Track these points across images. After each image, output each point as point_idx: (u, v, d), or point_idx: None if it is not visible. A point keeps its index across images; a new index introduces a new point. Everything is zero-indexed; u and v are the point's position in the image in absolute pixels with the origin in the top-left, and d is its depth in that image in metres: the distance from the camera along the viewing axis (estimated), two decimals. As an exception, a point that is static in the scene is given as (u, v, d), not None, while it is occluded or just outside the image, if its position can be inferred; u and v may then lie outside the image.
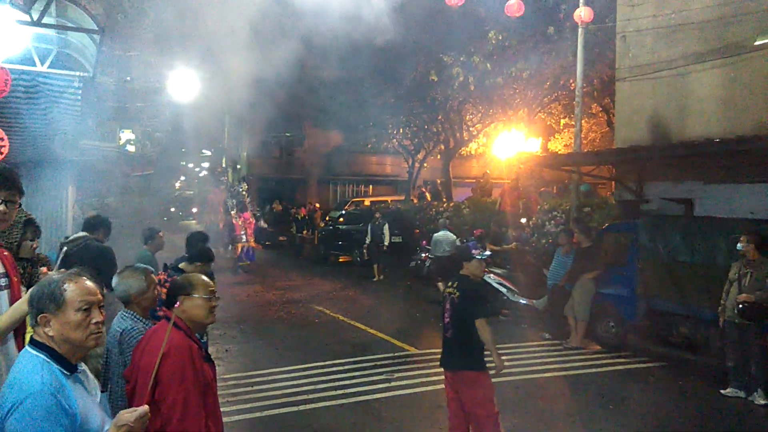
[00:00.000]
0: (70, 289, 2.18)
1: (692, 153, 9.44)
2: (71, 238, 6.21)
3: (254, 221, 18.11)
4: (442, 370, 5.06)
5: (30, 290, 2.23)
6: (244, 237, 17.25)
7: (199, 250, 5.46)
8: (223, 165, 31.58)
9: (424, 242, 15.19)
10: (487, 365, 4.86)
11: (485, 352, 4.86)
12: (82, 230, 6.22)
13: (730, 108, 9.81)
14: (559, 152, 20.80)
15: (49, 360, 2.12)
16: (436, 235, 13.41)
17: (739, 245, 6.95)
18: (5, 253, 3.00)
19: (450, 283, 5.04)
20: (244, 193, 18.60)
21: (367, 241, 16.46)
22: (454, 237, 12.88)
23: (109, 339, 3.35)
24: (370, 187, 33.13)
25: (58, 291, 2.17)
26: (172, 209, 39.66)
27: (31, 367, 2.09)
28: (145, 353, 2.91)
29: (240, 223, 17.41)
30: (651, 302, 8.58)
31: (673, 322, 8.37)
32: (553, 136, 21.99)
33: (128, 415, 2.15)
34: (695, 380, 7.65)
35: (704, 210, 9.62)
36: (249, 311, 11.65)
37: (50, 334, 2.15)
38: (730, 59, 9.77)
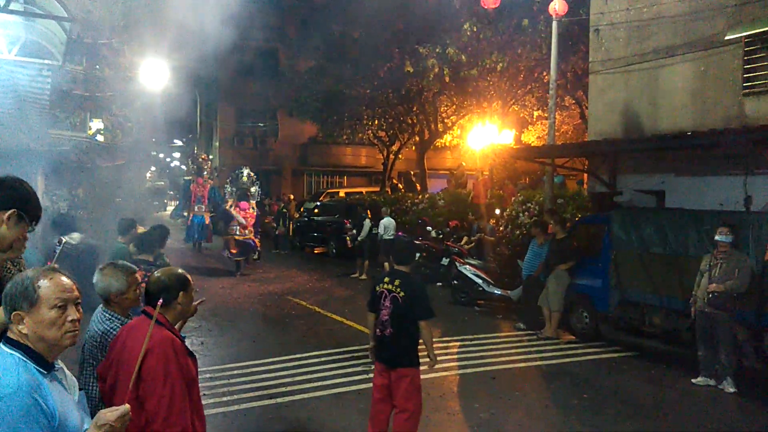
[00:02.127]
0: (45, 285, 2.12)
1: (664, 146, 9.60)
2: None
3: (255, 213, 16.05)
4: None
5: (6, 287, 2.15)
6: (236, 229, 15.30)
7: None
8: (195, 153, 31.07)
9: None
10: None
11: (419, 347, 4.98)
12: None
13: (700, 101, 10.00)
14: (532, 144, 20.97)
15: (24, 358, 2.06)
16: (382, 221, 15.22)
17: (721, 236, 6.98)
18: None
19: (388, 280, 5.00)
20: (245, 179, 16.49)
21: (361, 236, 15.43)
22: (395, 223, 15.38)
23: (87, 339, 3.26)
24: (345, 178, 33.04)
25: (32, 288, 2.10)
26: (155, 202, 38.54)
27: (5, 365, 2.02)
28: (124, 350, 2.86)
29: (235, 213, 15.64)
30: (624, 293, 8.73)
31: (645, 313, 8.52)
32: (527, 128, 22.15)
33: (109, 414, 2.10)
34: (667, 369, 7.81)
35: (675, 202, 9.80)
36: (224, 304, 11.55)
37: (24, 332, 2.08)
38: (701, 53, 9.95)
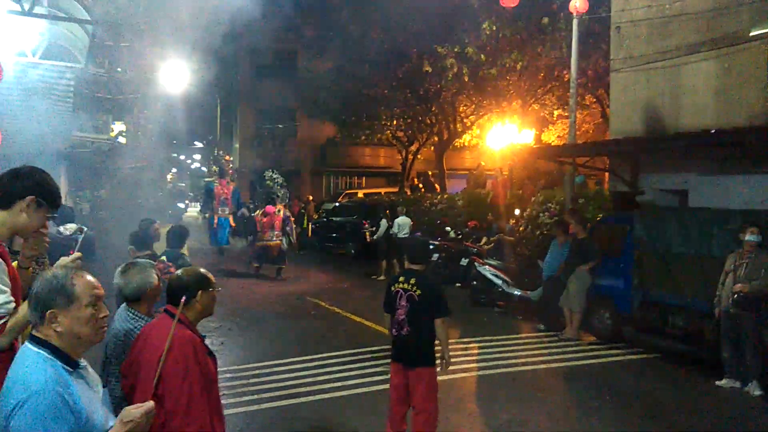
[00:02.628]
0: (79, 283, 2.15)
1: (687, 144, 9.46)
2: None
3: (282, 216, 14.97)
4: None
5: (34, 287, 2.15)
6: (272, 236, 14.45)
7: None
8: (218, 155, 31.22)
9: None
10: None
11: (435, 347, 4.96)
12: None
13: (724, 99, 9.83)
14: (552, 143, 20.80)
15: (51, 356, 2.08)
16: (397, 219, 15.42)
17: (751, 236, 6.85)
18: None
19: (403, 279, 4.98)
20: (269, 183, 15.90)
21: (377, 236, 15.60)
22: (410, 221, 15.44)
23: (110, 338, 3.29)
24: (364, 179, 33.07)
25: (69, 285, 2.13)
26: (181, 204, 37.77)
27: (33, 364, 2.05)
28: (145, 348, 2.88)
29: (259, 217, 14.89)
30: (646, 293, 8.61)
31: (668, 314, 8.38)
32: (547, 127, 21.99)
33: (134, 410, 2.12)
34: (690, 371, 7.69)
35: (699, 201, 9.65)
36: (244, 304, 11.60)
37: (58, 330, 2.10)
38: (724, 50, 9.79)
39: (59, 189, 2.77)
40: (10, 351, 2.55)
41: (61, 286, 2.12)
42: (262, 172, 16.47)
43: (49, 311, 2.10)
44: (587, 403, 6.60)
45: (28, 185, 2.63)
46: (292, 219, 15.58)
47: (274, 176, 16.17)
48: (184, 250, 9.39)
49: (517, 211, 14.32)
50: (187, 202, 44.51)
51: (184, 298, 2.81)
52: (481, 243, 13.66)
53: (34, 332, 2.14)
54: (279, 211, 14.93)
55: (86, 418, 2.05)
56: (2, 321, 2.46)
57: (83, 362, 2.23)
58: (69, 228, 7.38)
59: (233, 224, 18.12)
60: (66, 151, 11.26)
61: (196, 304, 3.03)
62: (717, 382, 7.09)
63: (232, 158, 24.62)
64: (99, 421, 2.12)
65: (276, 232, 14.57)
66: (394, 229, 15.31)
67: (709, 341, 7.79)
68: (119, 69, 14.06)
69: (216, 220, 18.07)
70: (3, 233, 2.68)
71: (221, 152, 21.18)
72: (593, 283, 9.19)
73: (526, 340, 9.29)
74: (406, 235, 14.72)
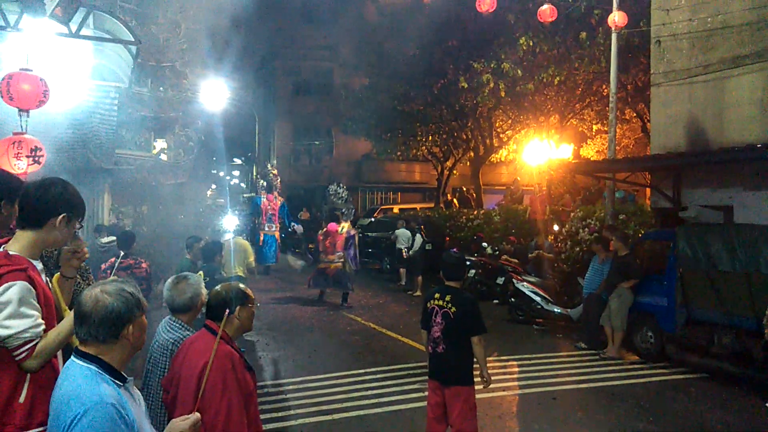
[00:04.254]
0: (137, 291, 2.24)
1: (732, 159, 9.21)
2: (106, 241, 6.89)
3: (346, 234, 13.34)
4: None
5: (109, 305, 2.14)
6: (324, 255, 13.21)
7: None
8: (254, 174, 31.43)
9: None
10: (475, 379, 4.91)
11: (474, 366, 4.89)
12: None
13: (770, 112, 9.55)
14: (591, 159, 20.50)
15: (101, 371, 2.11)
16: (397, 231, 16.50)
17: None
18: None
19: (439, 296, 4.94)
20: (333, 197, 14.25)
21: (412, 251, 15.47)
22: (409, 234, 15.99)
23: (156, 348, 3.34)
24: (399, 194, 33.10)
25: (140, 295, 2.22)
26: (221, 219, 37.93)
27: (86, 378, 2.07)
28: (185, 362, 2.91)
29: (320, 236, 13.49)
30: (691, 312, 8.37)
31: (714, 333, 8.12)
32: (586, 142, 21.69)
33: (181, 422, 2.15)
34: (738, 393, 7.42)
35: (744, 217, 9.36)
36: (280, 319, 11.67)
37: (131, 339, 2.16)
38: (769, 63, 9.53)
39: (83, 199, 2.80)
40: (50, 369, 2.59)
41: (137, 299, 2.19)
42: (326, 185, 14.66)
43: (131, 325, 2.16)
44: (630, 424, 6.42)
45: (60, 202, 2.64)
46: (357, 237, 14.01)
47: (339, 190, 14.52)
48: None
49: (556, 227, 14.13)
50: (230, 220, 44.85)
51: (228, 311, 2.84)
52: (516, 260, 13.51)
53: (81, 347, 2.16)
54: (343, 229, 13.39)
55: (138, 431, 2.08)
56: (32, 344, 2.47)
57: (130, 378, 2.26)
58: (107, 239, 7.86)
59: (279, 242, 17.04)
60: (109, 167, 11.56)
61: (235, 319, 3.06)
62: (767, 404, 6.84)
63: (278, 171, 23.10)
64: None
65: (338, 253, 13.09)
66: (394, 240, 16.31)
67: (757, 361, 7.53)
68: (161, 88, 14.41)
69: (262, 237, 16.88)
70: (35, 253, 2.67)
71: (269, 165, 20.00)
72: (635, 301, 8.98)
73: (567, 359, 9.11)
74: (404, 247, 15.80)
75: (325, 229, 13.45)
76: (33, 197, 2.63)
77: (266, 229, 16.87)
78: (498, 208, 18.34)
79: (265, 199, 17.22)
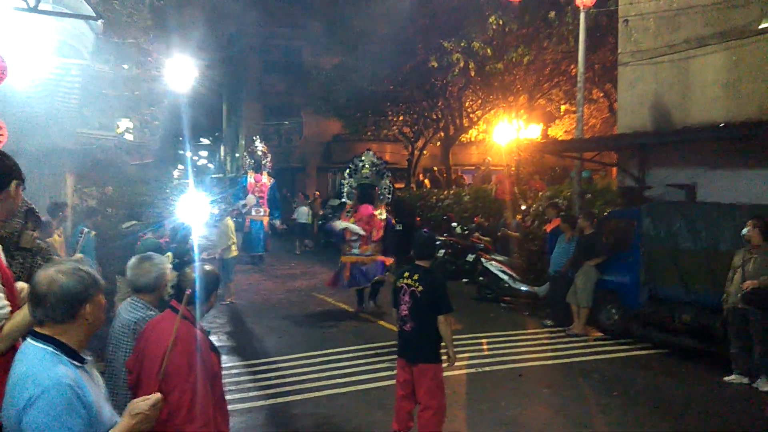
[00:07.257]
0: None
1: (696, 138, 9.39)
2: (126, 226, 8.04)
3: (385, 220, 10.50)
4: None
5: (65, 285, 2.09)
6: (356, 249, 10.34)
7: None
8: (221, 154, 30.99)
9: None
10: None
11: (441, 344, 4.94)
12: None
13: (733, 92, 9.74)
14: (559, 138, 20.68)
15: (57, 352, 2.07)
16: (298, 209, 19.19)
17: (744, 230, 6.93)
18: None
19: (408, 275, 4.96)
20: (366, 170, 10.77)
21: None
22: (308, 209, 19.00)
23: (117, 328, 3.29)
24: (370, 174, 32.98)
25: (96, 274, 2.18)
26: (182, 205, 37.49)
27: (42, 360, 2.03)
28: (150, 343, 2.88)
29: (347, 224, 10.39)
30: (654, 289, 8.56)
31: (675, 309, 8.32)
32: (554, 122, 21.85)
33: (142, 403, 2.13)
34: (698, 367, 7.64)
35: (707, 196, 9.57)
36: (250, 300, 11.62)
37: (89, 320, 2.13)
38: (733, 43, 9.69)
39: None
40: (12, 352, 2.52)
41: (94, 278, 2.15)
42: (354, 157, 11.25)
43: (87, 304, 2.12)
44: (594, 398, 6.57)
45: (11, 170, 2.63)
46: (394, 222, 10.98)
47: (375, 160, 10.98)
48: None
49: (523, 207, 14.26)
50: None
51: (188, 291, 2.80)
52: (488, 238, 13.60)
53: (37, 329, 2.12)
54: (381, 213, 10.57)
55: (96, 413, 2.05)
56: None
57: (88, 358, 2.22)
58: (128, 223, 8.61)
59: (267, 229, 15.58)
60: (72, 147, 11.26)
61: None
62: (725, 378, 7.06)
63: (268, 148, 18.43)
64: (107, 416, 2.12)
65: (373, 244, 10.38)
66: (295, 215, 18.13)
67: (717, 337, 7.74)
68: (125, 66, 14.04)
69: (248, 223, 15.27)
70: None
71: (257, 140, 17.42)
72: (600, 279, 9.14)
73: (533, 336, 9.26)
74: (305, 222, 18.32)
75: (354, 212, 10.58)
76: None
77: (253, 213, 15.38)
78: (467, 188, 18.45)
79: (251, 179, 15.64)
